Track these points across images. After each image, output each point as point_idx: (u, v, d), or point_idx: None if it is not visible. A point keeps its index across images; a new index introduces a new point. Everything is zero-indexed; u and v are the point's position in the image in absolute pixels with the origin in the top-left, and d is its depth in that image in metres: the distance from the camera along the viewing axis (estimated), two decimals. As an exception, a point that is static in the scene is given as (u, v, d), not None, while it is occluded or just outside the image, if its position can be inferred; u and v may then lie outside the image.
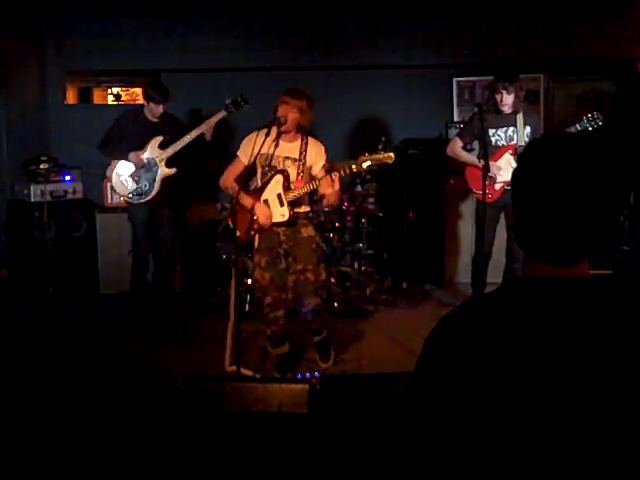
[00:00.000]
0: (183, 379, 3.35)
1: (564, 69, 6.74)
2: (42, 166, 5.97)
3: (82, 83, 7.15)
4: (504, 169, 4.62)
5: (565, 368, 1.06)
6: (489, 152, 4.61)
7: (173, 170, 5.01)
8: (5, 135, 6.18)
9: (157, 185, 5.01)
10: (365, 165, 3.83)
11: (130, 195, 5.05)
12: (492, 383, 1.08)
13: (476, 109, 4.63)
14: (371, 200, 5.98)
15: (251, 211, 4.02)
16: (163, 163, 4.98)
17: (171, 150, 4.95)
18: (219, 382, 3.46)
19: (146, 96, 5.04)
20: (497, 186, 4.68)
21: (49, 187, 5.92)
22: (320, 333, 4.34)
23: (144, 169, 4.99)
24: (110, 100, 7.41)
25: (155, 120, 5.07)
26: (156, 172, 4.99)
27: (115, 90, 7.38)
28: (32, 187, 5.88)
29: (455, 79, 6.66)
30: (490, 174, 4.59)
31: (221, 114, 4.82)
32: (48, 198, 5.89)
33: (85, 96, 7.27)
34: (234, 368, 3.91)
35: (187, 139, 4.89)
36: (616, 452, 1.03)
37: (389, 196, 6.25)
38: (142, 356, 4.48)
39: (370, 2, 6.54)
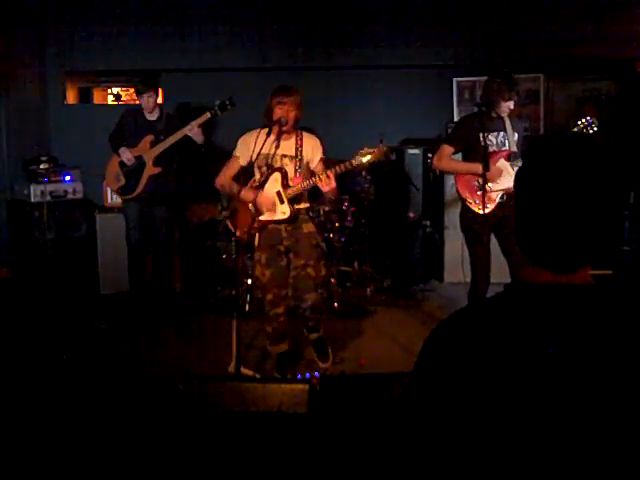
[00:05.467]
0: (183, 379, 3.35)
1: (564, 69, 6.74)
2: (42, 166, 5.98)
3: (82, 83, 7.15)
4: (501, 176, 4.24)
5: (562, 375, 1.05)
6: (479, 159, 4.23)
7: (157, 169, 5.09)
8: (5, 135, 6.18)
9: (142, 183, 5.10)
10: (365, 159, 3.83)
11: (119, 191, 5.22)
12: (488, 388, 1.07)
13: (476, 109, 4.29)
14: (371, 200, 5.98)
15: (254, 204, 4.04)
16: (150, 162, 5.07)
17: (157, 150, 5.04)
18: (219, 382, 3.47)
19: (136, 92, 5.19)
20: (494, 195, 4.24)
21: (49, 187, 5.92)
22: (317, 331, 4.34)
23: (134, 166, 5.09)
24: (110, 100, 7.41)
25: (152, 119, 5.13)
26: (142, 170, 5.10)
27: (115, 90, 7.38)
28: (32, 187, 5.87)
29: (455, 79, 6.66)
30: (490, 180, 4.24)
31: (205, 116, 4.90)
32: (48, 198, 5.88)
33: (85, 96, 7.27)
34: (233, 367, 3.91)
35: (172, 140, 4.98)
36: (616, 459, 1.03)
37: (389, 196, 6.25)
38: (142, 356, 4.48)
39: (370, 2, 6.55)
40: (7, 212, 6.15)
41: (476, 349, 1.10)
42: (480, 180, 4.21)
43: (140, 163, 5.09)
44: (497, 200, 4.23)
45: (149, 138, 5.09)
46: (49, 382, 3.65)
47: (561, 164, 1.11)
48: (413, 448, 1.14)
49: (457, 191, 4.39)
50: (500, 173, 4.23)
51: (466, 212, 4.33)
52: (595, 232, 1.10)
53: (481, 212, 4.19)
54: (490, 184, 4.21)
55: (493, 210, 4.22)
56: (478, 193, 4.24)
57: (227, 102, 4.80)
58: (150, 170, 5.08)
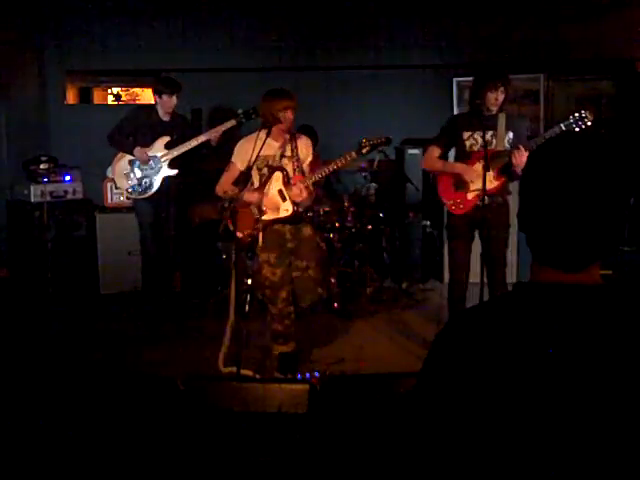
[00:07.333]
0: (183, 379, 3.35)
1: (564, 69, 6.74)
2: (42, 166, 5.97)
3: (82, 83, 7.15)
4: (477, 177, 4.00)
5: (570, 375, 1.04)
6: (462, 158, 4.16)
7: (174, 171, 5.08)
8: (5, 135, 6.18)
9: (157, 183, 5.08)
10: (364, 150, 3.96)
11: (130, 189, 5.14)
12: (497, 389, 1.07)
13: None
14: (371, 200, 5.98)
15: (258, 205, 4.09)
16: (166, 163, 5.05)
17: (176, 152, 5.02)
18: (219, 382, 3.47)
19: (157, 91, 5.09)
20: (470, 195, 4.08)
21: (49, 187, 5.92)
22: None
23: (147, 166, 5.05)
24: (110, 100, 7.42)
25: (166, 119, 5.11)
26: (158, 171, 5.06)
27: (115, 90, 7.38)
28: (32, 187, 5.87)
29: (455, 79, 6.66)
30: (466, 179, 4.10)
31: (230, 123, 4.88)
32: (48, 198, 5.88)
33: (85, 96, 7.27)
34: (229, 369, 3.91)
35: (193, 143, 4.95)
36: (621, 463, 1.02)
37: (389, 196, 6.25)
38: (142, 356, 4.48)
39: (370, 2, 6.55)
40: (7, 212, 6.15)
41: (484, 349, 1.09)
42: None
43: (156, 164, 5.05)
44: (475, 202, 4.07)
45: (165, 139, 5.05)
46: (49, 382, 3.65)
47: (566, 162, 1.11)
48: (418, 446, 1.13)
49: (437, 192, 4.32)
50: (477, 174, 4.01)
51: (447, 212, 4.31)
52: (600, 229, 1.10)
53: (456, 213, 4.17)
54: (467, 181, 4.10)
55: (469, 212, 4.08)
56: (454, 194, 4.17)
57: (251, 111, 4.79)
58: (166, 172, 5.06)
